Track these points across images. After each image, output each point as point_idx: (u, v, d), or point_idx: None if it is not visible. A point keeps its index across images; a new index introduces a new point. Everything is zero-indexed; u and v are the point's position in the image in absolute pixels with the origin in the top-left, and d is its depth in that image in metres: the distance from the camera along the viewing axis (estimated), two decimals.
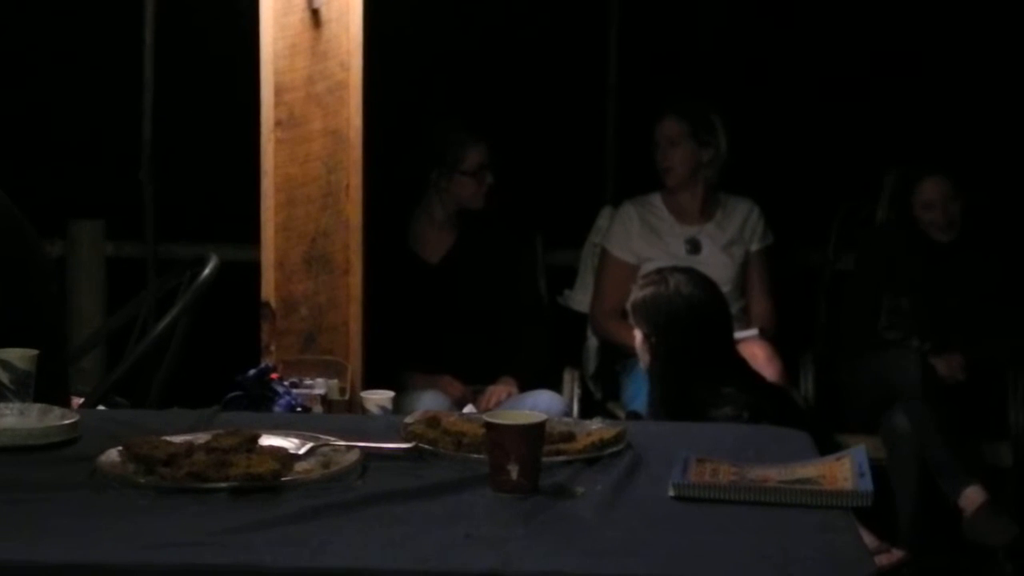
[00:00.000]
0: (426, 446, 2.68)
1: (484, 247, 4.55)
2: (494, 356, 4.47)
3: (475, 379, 4.43)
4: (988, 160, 4.88)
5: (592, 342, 4.74)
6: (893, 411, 4.24)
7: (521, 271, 4.69)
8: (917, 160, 4.72)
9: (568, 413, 4.20)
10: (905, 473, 4.18)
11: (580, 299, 4.80)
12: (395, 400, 3.61)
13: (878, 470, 3.96)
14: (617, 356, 4.61)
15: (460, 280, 4.50)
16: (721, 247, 4.56)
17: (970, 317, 4.51)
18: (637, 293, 3.90)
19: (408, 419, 2.84)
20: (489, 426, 2.49)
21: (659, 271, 4.00)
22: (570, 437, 2.74)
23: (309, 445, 2.61)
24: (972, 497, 4.05)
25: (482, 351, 4.49)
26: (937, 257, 4.57)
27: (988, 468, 4.25)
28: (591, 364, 4.74)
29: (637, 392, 4.29)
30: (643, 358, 3.93)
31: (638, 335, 3.89)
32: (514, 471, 2.44)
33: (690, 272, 3.98)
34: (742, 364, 3.95)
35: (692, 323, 3.81)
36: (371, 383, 3.77)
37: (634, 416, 4.15)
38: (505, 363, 4.46)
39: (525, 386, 4.35)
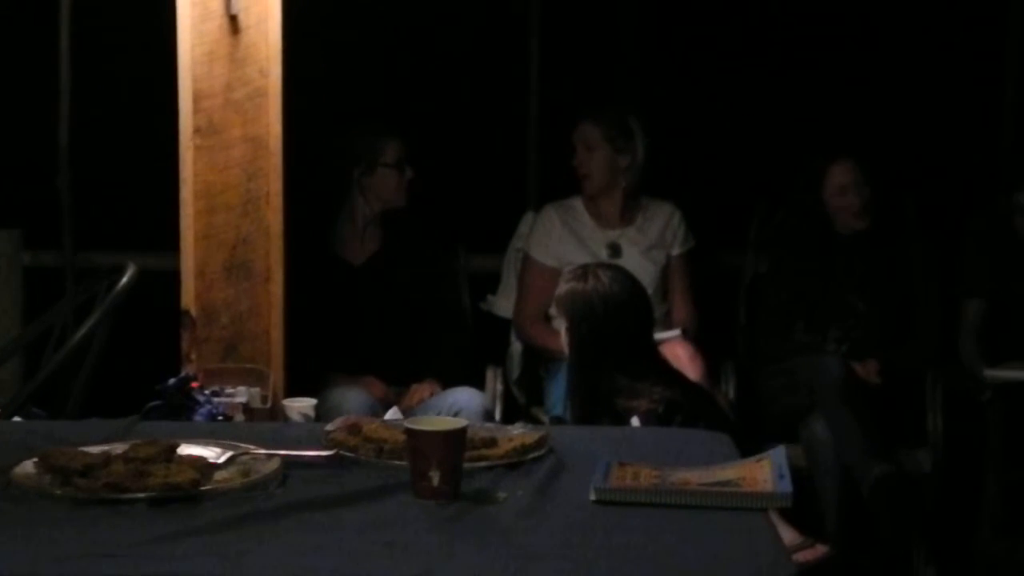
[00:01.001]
0: (347, 453, 2.67)
1: (407, 250, 4.55)
2: (416, 358, 4.46)
3: (397, 381, 4.42)
4: (901, 156, 4.92)
5: (516, 347, 4.74)
6: (812, 418, 4.25)
7: (443, 274, 4.69)
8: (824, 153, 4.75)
9: (490, 410, 4.19)
10: (827, 480, 4.19)
11: (503, 304, 4.80)
12: (318, 402, 3.60)
13: (801, 472, 4.05)
14: (541, 361, 4.61)
15: (384, 282, 4.48)
16: (642, 251, 4.57)
17: (884, 318, 4.54)
18: (562, 286, 3.93)
19: (329, 427, 2.83)
20: (410, 432, 2.49)
21: (584, 267, 4.01)
22: (492, 442, 2.75)
23: (229, 454, 2.59)
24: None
25: (405, 353, 4.48)
26: (847, 253, 4.58)
27: (907, 474, 4.26)
28: (515, 369, 4.73)
29: (560, 397, 4.29)
30: (566, 349, 3.94)
31: (562, 329, 3.90)
32: (435, 477, 2.44)
33: (615, 269, 4.00)
34: (661, 363, 3.96)
35: (607, 319, 3.83)
36: (294, 390, 3.76)
37: (558, 421, 4.15)
38: (427, 366, 4.45)
39: (447, 386, 4.34)
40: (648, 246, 4.59)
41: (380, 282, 4.49)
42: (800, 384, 4.31)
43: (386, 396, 4.30)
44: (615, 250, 4.56)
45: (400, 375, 4.42)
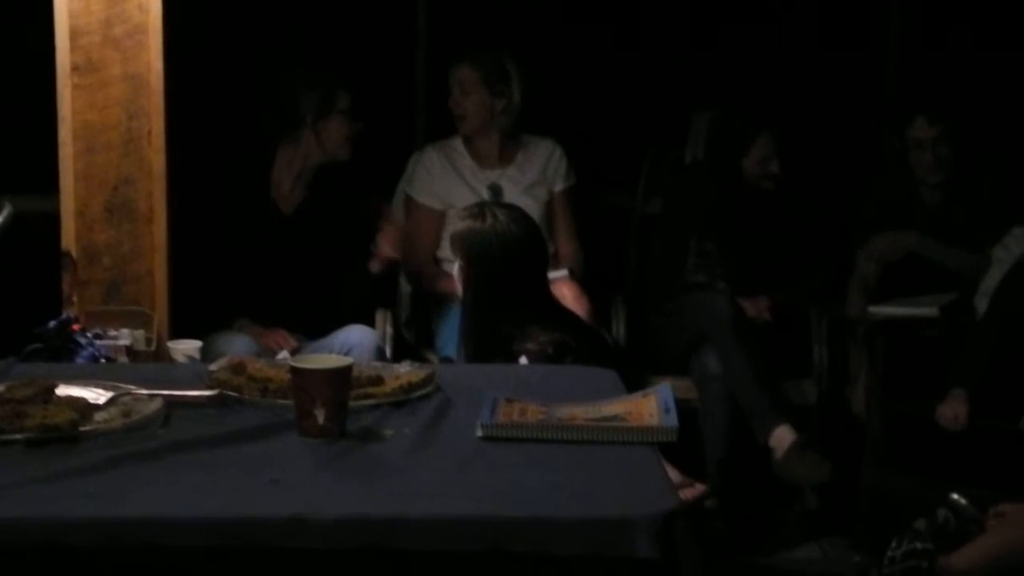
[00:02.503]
0: (231, 393, 2.65)
1: (336, 201, 4.45)
2: (326, 310, 4.38)
3: (308, 333, 4.35)
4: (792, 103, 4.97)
5: (405, 288, 4.71)
6: (703, 352, 4.31)
7: (362, 226, 4.60)
8: (723, 103, 4.76)
9: (382, 348, 4.16)
10: (715, 413, 4.25)
11: None
12: (205, 346, 3.55)
13: (687, 411, 4.09)
14: (431, 302, 4.59)
15: (309, 233, 4.40)
16: (523, 189, 4.55)
17: (775, 262, 4.59)
18: (457, 225, 3.88)
19: (212, 366, 2.80)
20: (294, 371, 2.47)
21: (480, 204, 3.97)
22: (378, 380, 2.74)
23: (109, 395, 2.55)
24: (781, 437, 4.12)
25: (317, 305, 4.40)
26: (744, 201, 4.63)
27: (794, 407, 4.33)
28: (405, 311, 4.71)
29: (451, 338, 4.27)
30: (458, 288, 3.89)
31: (455, 267, 3.86)
32: (320, 415, 2.43)
33: (512, 209, 3.96)
34: (553, 303, 3.95)
35: (504, 258, 3.79)
36: (185, 333, 3.69)
37: (447, 362, 4.15)
38: (331, 315, 4.38)
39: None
40: (529, 184, 4.57)
41: (306, 231, 4.41)
42: (689, 321, 4.35)
43: (300, 350, 4.20)
44: (496, 190, 4.54)
45: (310, 327, 4.35)
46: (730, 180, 4.62)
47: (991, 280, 4.31)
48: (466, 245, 3.81)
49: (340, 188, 4.45)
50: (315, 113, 4.35)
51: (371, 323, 4.43)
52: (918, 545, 3.50)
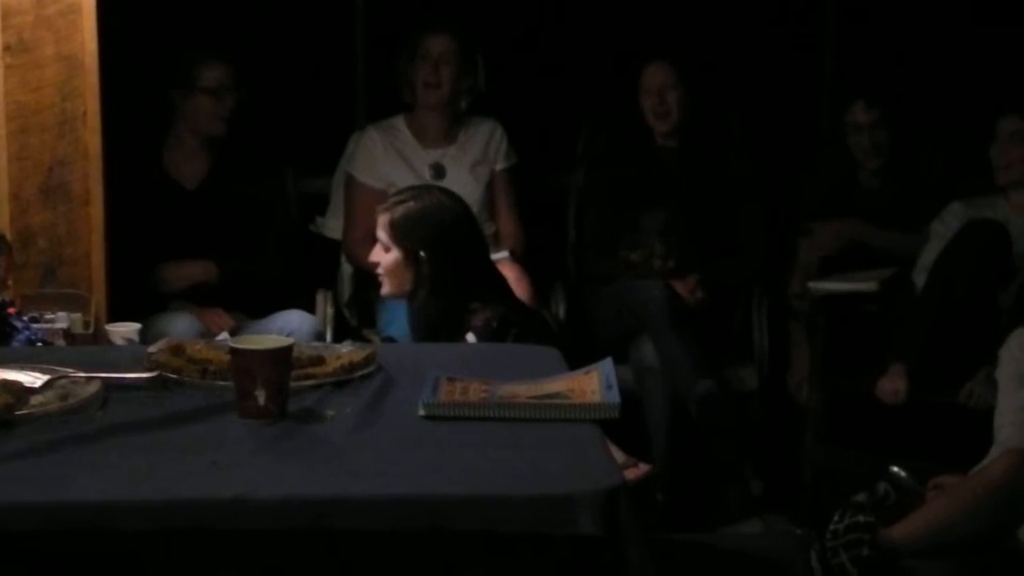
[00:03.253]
0: (170, 375, 2.62)
1: (239, 172, 4.43)
2: (248, 284, 4.37)
3: (248, 312, 4.32)
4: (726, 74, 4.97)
5: (346, 269, 4.69)
6: (641, 341, 4.29)
7: (273, 198, 4.59)
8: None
9: (321, 333, 4.14)
10: (656, 403, 4.23)
11: (333, 226, 4.74)
12: (146, 329, 3.52)
13: (630, 394, 4.09)
14: (372, 283, 4.56)
15: (216, 205, 4.37)
16: (465, 169, 4.54)
17: (709, 234, 4.59)
18: (396, 210, 3.75)
19: (151, 348, 2.77)
20: (234, 352, 2.45)
21: (411, 188, 3.92)
22: (319, 361, 2.72)
23: (46, 378, 2.52)
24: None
25: (237, 279, 4.38)
26: (667, 168, 4.61)
27: (735, 393, 4.33)
28: (346, 291, 4.69)
29: (392, 318, 4.26)
30: (399, 280, 3.79)
31: (392, 257, 3.78)
32: (261, 396, 2.41)
33: (442, 188, 3.93)
34: (499, 278, 3.91)
35: (459, 234, 3.75)
36: (124, 316, 3.66)
37: (389, 342, 4.12)
38: (257, 291, 4.36)
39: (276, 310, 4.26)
40: (471, 163, 4.56)
41: (212, 205, 4.38)
42: (627, 308, 4.33)
43: (238, 328, 4.16)
44: (439, 170, 4.52)
45: (244, 305, 4.33)
46: (635, 131, 4.61)
47: (929, 255, 4.34)
48: (420, 225, 3.71)
49: (247, 161, 4.41)
50: (179, 92, 4.33)
51: (311, 303, 4.42)
52: (860, 518, 3.53)
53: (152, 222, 4.27)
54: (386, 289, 3.82)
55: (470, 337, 3.62)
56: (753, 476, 4.43)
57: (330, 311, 4.42)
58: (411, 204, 3.73)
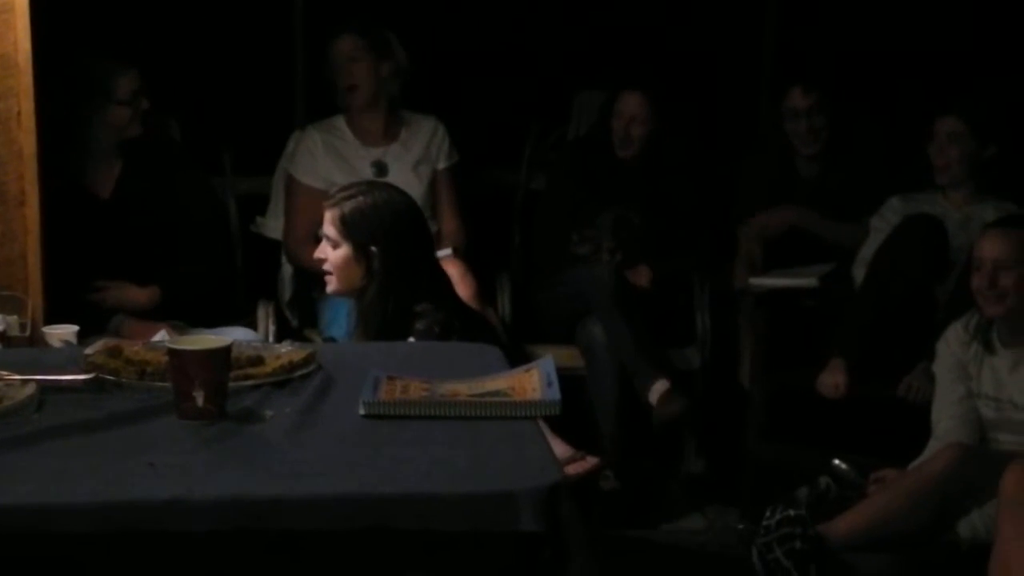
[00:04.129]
0: (108, 376, 2.60)
1: (153, 175, 4.37)
2: (175, 290, 4.30)
3: (191, 322, 4.27)
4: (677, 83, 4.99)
5: (287, 269, 4.66)
6: (588, 321, 4.32)
7: (198, 199, 4.53)
8: (606, 81, 4.78)
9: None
10: (603, 381, 4.27)
11: (273, 226, 4.72)
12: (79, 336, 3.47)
13: (575, 379, 4.10)
14: (314, 283, 4.54)
15: (133, 211, 4.31)
16: (408, 167, 4.53)
17: (656, 234, 4.62)
18: (344, 206, 3.65)
19: (88, 350, 2.75)
20: (172, 352, 2.43)
21: (358, 183, 3.84)
22: (259, 361, 2.71)
23: None
24: (658, 389, 4.17)
25: (163, 285, 4.31)
26: (627, 174, 4.65)
27: (677, 371, 4.36)
28: (287, 291, 4.66)
29: (334, 318, 4.24)
30: (348, 276, 3.69)
31: (340, 254, 3.69)
32: (200, 397, 2.39)
33: (388, 184, 3.89)
34: (444, 278, 3.88)
35: (410, 229, 3.69)
36: (62, 318, 3.60)
37: (331, 342, 4.10)
38: (187, 298, 4.30)
39: (214, 317, 4.21)
40: (414, 162, 4.55)
41: (129, 212, 4.32)
42: (574, 290, 4.36)
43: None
44: (381, 168, 4.51)
45: (176, 311, 4.27)
46: (601, 143, 4.64)
47: (868, 249, 4.38)
48: (373, 219, 3.62)
49: (160, 165, 4.36)
50: (94, 103, 4.26)
51: (253, 308, 4.38)
52: (791, 512, 3.55)
53: (70, 233, 4.21)
54: (333, 287, 3.73)
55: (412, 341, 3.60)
56: (696, 455, 4.46)
57: (272, 327, 4.36)
58: (361, 199, 3.65)
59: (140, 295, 4.22)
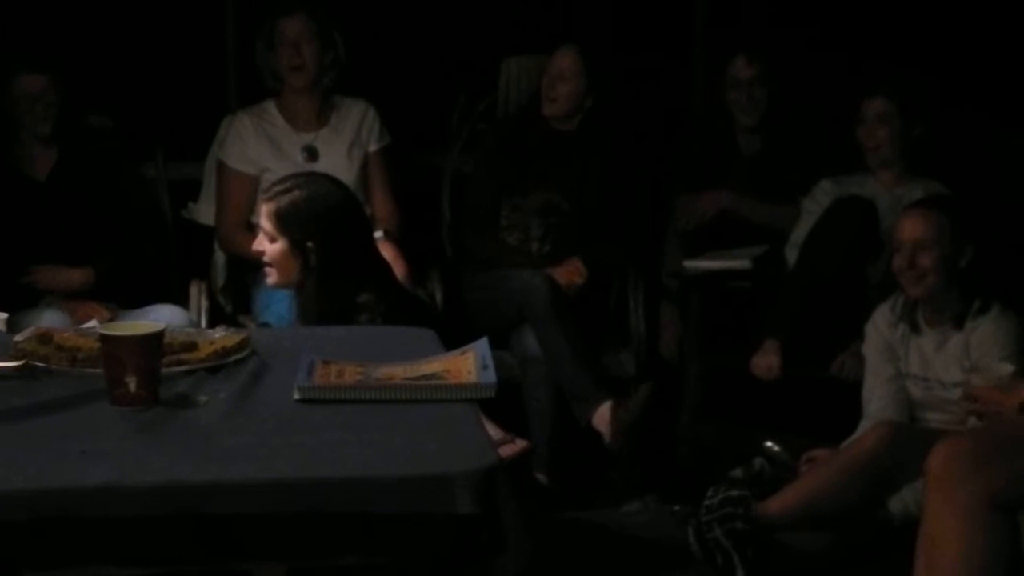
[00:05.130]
0: (38, 363, 2.57)
1: (89, 160, 4.34)
2: (111, 273, 4.28)
3: (121, 303, 4.24)
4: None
5: (219, 255, 4.64)
6: (523, 331, 4.27)
7: (134, 183, 4.50)
8: (533, 48, 4.76)
9: (194, 325, 4.08)
10: (538, 393, 4.22)
11: (205, 211, 4.68)
12: (10, 321, 3.44)
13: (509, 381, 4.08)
14: (247, 269, 4.52)
15: (69, 194, 4.28)
16: (339, 151, 4.50)
17: (586, 220, 4.60)
18: (280, 201, 3.62)
19: (18, 337, 2.72)
20: (104, 338, 2.41)
21: (293, 177, 3.80)
22: (192, 346, 2.69)
23: None
24: (604, 415, 4.09)
25: (115, 276, 4.29)
26: (555, 152, 4.62)
27: (614, 380, 4.32)
28: (220, 277, 4.63)
29: (268, 303, 4.22)
30: (286, 270, 3.65)
31: (276, 247, 3.64)
32: (132, 383, 2.37)
33: (326, 176, 3.84)
34: (385, 267, 3.87)
35: (346, 222, 3.67)
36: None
37: (265, 327, 4.08)
38: (122, 281, 4.28)
39: (149, 300, 4.19)
40: (345, 145, 4.52)
41: (64, 196, 4.29)
42: (507, 299, 4.32)
43: (114, 318, 4.06)
44: (312, 152, 4.49)
45: (108, 294, 4.24)
46: (530, 116, 4.62)
47: (800, 232, 4.41)
48: (302, 218, 3.59)
49: (97, 150, 4.33)
50: (8, 102, 4.24)
51: (186, 292, 4.36)
52: (734, 492, 3.59)
53: (5, 216, 4.17)
54: (272, 279, 3.70)
55: None
56: (634, 463, 4.46)
57: (204, 303, 4.34)
58: (296, 193, 3.62)
59: (73, 276, 4.20)
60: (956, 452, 2.78)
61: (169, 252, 4.54)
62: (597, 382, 4.12)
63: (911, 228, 3.73)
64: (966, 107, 4.76)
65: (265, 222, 3.65)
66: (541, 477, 4.18)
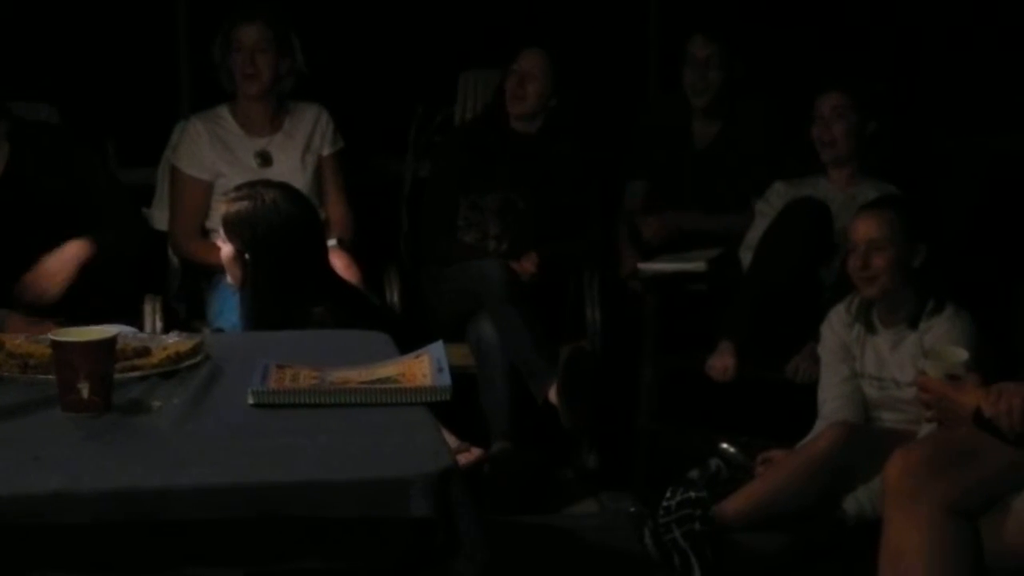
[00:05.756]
0: None
1: (43, 153, 4.29)
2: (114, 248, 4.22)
3: (61, 314, 4.19)
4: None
5: (174, 260, 4.61)
6: (479, 319, 4.30)
7: (88, 171, 4.44)
8: (491, 61, 4.77)
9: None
10: (495, 380, 4.25)
11: (159, 217, 4.65)
12: None
13: (466, 377, 4.10)
14: (201, 274, 4.50)
15: (27, 189, 4.23)
16: (293, 156, 4.48)
17: (543, 219, 4.61)
18: (230, 207, 3.70)
19: None
20: (56, 344, 2.40)
21: (251, 184, 3.83)
22: (145, 352, 2.68)
23: None
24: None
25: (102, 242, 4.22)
26: (518, 152, 4.63)
27: None
28: (174, 283, 4.61)
29: (222, 309, 4.21)
30: (233, 274, 3.75)
31: (227, 250, 3.70)
32: (84, 389, 2.37)
33: (284, 187, 3.86)
34: (334, 278, 3.89)
35: (287, 237, 3.68)
36: None
37: (220, 333, 4.06)
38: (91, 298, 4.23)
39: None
40: (298, 150, 4.51)
41: (22, 191, 4.24)
42: (463, 287, 4.34)
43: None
44: (265, 158, 4.47)
45: (61, 310, 4.19)
46: (495, 127, 4.63)
47: (754, 234, 4.43)
48: (247, 226, 3.64)
49: (50, 143, 4.28)
50: None
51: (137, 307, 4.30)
52: (692, 494, 3.60)
53: None
54: (228, 279, 3.79)
55: None
56: (589, 450, 4.47)
57: (159, 323, 4.28)
58: (245, 204, 3.67)
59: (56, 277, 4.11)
60: (912, 462, 2.79)
61: (149, 231, 4.48)
62: (552, 358, 4.13)
63: (864, 229, 3.75)
64: (915, 109, 4.79)
65: (220, 222, 3.73)
66: (499, 473, 4.18)
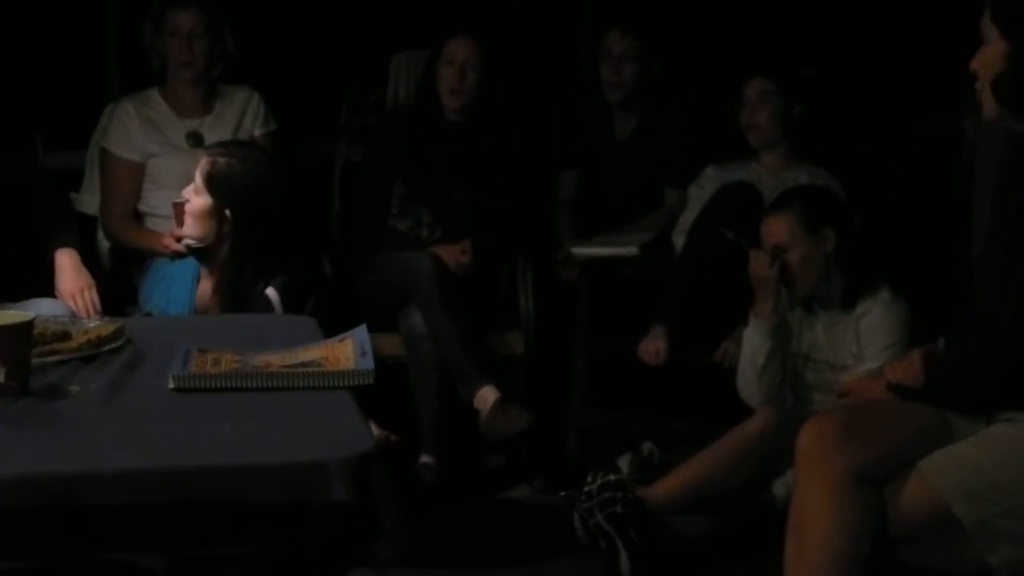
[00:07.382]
0: None
1: None
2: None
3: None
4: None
5: (104, 244, 4.57)
6: (410, 310, 4.27)
7: (27, 170, 4.40)
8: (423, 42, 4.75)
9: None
10: (424, 371, 4.23)
11: (88, 201, 4.61)
12: None
13: (397, 367, 4.08)
14: (132, 258, 4.46)
15: None
16: (223, 137, 4.44)
17: (477, 208, 4.59)
18: (220, 161, 3.79)
19: None
20: None
21: (241, 143, 3.96)
22: (65, 336, 2.66)
23: None
24: (485, 397, 4.09)
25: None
26: (451, 141, 4.61)
27: (501, 359, 4.33)
28: (104, 267, 4.56)
29: (150, 294, 4.17)
30: (200, 228, 3.81)
31: (199, 203, 3.76)
32: (1, 374, 2.33)
33: (265, 151, 3.97)
34: (304, 248, 3.94)
35: (274, 198, 3.78)
36: None
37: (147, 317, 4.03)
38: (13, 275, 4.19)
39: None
40: (229, 131, 4.48)
41: None
42: (395, 279, 4.31)
43: None
44: (196, 139, 4.44)
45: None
46: (427, 111, 4.60)
47: (687, 218, 4.43)
48: (231, 185, 3.75)
49: None
50: None
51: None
52: (611, 477, 3.61)
53: None
54: (187, 230, 3.87)
55: (270, 292, 3.70)
56: (521, 442, 4.46)
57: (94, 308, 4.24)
58: (234, 161, 3.80)
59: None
60: (824, 429, 2.82)
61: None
62: (480, 365, 4.13)
63: (767, 233, 3.82)
64: (841, 94, 4.81)
65: (198, 175, 3.84)
66: (428, 460, 4.17)
